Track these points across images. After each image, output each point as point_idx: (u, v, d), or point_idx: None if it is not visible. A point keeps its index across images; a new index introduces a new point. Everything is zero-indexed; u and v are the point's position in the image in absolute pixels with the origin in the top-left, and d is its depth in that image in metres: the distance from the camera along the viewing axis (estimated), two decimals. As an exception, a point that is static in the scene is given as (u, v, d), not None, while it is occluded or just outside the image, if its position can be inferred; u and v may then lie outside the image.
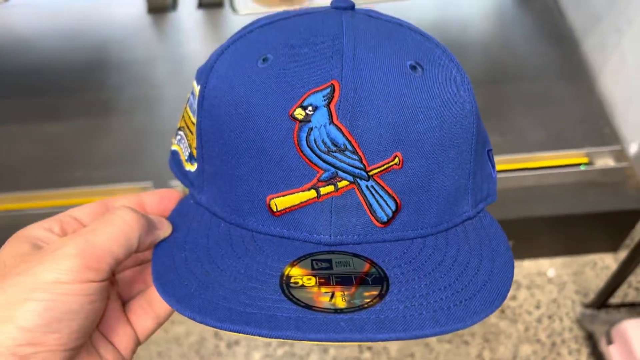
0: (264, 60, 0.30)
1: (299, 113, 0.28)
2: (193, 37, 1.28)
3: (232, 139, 0.29)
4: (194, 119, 0.32)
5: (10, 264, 0.26)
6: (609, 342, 0.93)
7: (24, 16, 1.33)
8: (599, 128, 1.05)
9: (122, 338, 0.30)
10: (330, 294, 0.26)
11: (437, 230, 0.31)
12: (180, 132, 0.35)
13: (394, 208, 0.29)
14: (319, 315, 0.25)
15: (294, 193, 0.28)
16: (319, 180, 0.28)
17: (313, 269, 0.27)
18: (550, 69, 1.16)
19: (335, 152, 0.27)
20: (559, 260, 1.10)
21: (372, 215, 0.28)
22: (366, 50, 0.29)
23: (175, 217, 0.32)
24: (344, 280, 0.27)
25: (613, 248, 1.11)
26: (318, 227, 0.28)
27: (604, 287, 0.95)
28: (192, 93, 0.34)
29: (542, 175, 1.01)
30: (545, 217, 1.01)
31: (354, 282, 0.27)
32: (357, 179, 0.28)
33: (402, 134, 0.28)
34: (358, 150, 0.28)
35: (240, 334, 0.25)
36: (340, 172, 0.28)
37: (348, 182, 0.28)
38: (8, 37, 1.30)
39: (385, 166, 0.28)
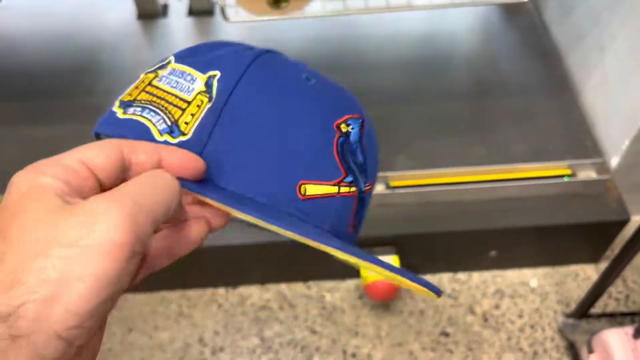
0: (308, 79, 0.36)
1: (344, 127, 0.35)
2: (182, 44, 1.27)
3: (275, 130, 0.34)
4: (191, 98, 0.34)
5: (45, 222, 0.23)
6: (590, 351, 0.95)
7: (13, 19, 1.32)
8: (581, 141, 1.08)
9: None
10: None
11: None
12: (140, 105, 0.35)
13: (359, 220, 0.37)
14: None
15: (323, 184, 0.34)
16: (342, 181, 0.35)
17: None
18: (534, 84, 1.18)
19: (358, 165, 0.36)
20: (541, 271, 1.12)
21: (353, 221, 0.36)
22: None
23: None
24: None
25: (594, 259, 1.13)
26: (326, 218, 0.35)
27: (585, 298, 0.97)
28: (178, 73, 0.36)
29: (526, 187, 1.03)
30: (528, 228, 1.03)
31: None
32: (359, 191, 0.36)
33: (375, 169, 0.38)
34: (367, 171, 0.36)
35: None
36: (354, 181, 0.35)
37: (355, 190, 0.36)
38: (-4, 40, 1.29)
39: (368, 188, 0.37)
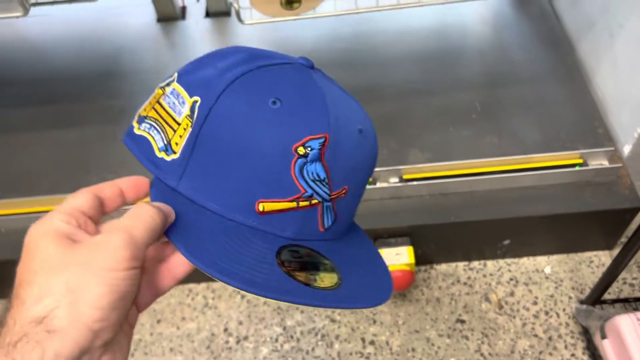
0: (274, 102, 0.39)
1: (302, 150, 0.38)
2: (201, 45, 1.32)
3: (236, 152, 0.38)
4: (180, 120, 0.40)
5: (60, 254, 0.31)
6: (603, 336, 0.97)
7: (40, 27, 1.38)
8: (593, 129, 1.09)
9: (131, 314, 0.36)
10: (312, 276, 0.38)
11: (343, 236, 0.44)
12: (150, 122, 0.42)
13: (333, 220, 0.42)
14: (316, 290, 0.37)
15: (280, 202, 0.39)
16: (300, 197, 0.39)
17: (292, 257, 0.39)
18: (546, 72, 1.19)
19: (317, 181, 0.39)
20: (555, 258, 1.14)
21: (321, 223, 0.41)
22: (339, 115, 0.41)
23: (160, 201, 0.39)
24: (311, 266, 0.39)
25: (609, 246, 1.14)
26: (287, 226, 0.40)
27: (598, 284, 0.99)
28: (176, 96, 0.41)
29: (538, 176, 1.04)
30: (541, 216, 1.05)
31: (319, 269, 0.39)
32: (323, 200, 0.40)
33: (350, 174, 0.42)
34: (330, 182, 0.40)
35: (270, 300, 0.35)
36: (315, 194, 0.40)
37: (317, 201, 0.40)
38: (26, 48, 1.35)
39: (338, 194, 0.41)
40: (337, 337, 1.07)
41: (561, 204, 1.04)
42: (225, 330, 1.09)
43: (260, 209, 0.39)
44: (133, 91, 1.23)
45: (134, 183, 0.39)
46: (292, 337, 1.07)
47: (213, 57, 0.42)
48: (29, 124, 1.19)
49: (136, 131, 0.42)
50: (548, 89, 1.17)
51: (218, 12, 1.38)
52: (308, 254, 0.40)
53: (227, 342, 1.08)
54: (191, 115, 0.39)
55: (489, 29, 1.31)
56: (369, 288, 0.40)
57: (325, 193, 0.40)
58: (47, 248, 0.31)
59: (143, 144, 0.41)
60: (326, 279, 0.38)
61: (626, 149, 1.05)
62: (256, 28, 1.29)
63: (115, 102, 1.22)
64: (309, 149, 0.38)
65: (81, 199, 0.35)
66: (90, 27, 1.38)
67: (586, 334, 1.03)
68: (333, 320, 1.09)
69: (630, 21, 1.00)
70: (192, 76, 0.41)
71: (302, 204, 0.39)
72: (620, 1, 1.03)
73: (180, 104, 0.40)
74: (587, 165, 1.05)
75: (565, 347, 1.03)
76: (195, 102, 0.39)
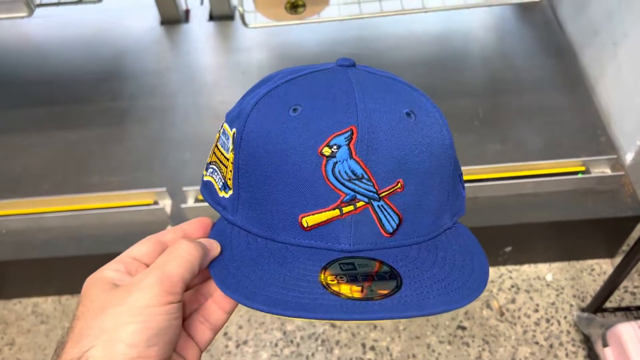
0: (294, 110, 0.38)
1: (327, 150, 0.36)
2: (204, 48, 1.32)
3: (269, 171, 0.37)
4: (228, 155, 0.40)
5: (101, 298, 0.32)
6: (605, 344, 0.97)
7: (44, 28, 1.38)
8: (595, 137, 1.09)
9: (190, 350, 0.36)
10: (360, 287, 0.34)
11: (427, 238, 0.39)
12: (212, 166, 0.42)
13: (397, 222, 0.37)
14: (357, 302, 0.33)
15: (321, 212, 0.36)
16: (342, 202, 0.36)
17: (342, 270, 0.35)
18: (549, 81, 1.19)
19: (354, 180, 0.36)
20: (557, 265, 1.14)
21: (381, 227, 0.37)
22: (373, 101, 0.37)
23: (215, 238, 0.39)
24: (367, 277, 0.35)
25: (610, 254, 1.14)
26: (340, 238, 0.36)
27: (599, 292, 0.98)
28: (225, 134, 0.41)
29: (541, 183, 1.04)
30: (543, 223, 1.05)
31: (375, 278, 0.35)
32: (371, 200, 0.36)
33: (402, 165, 0.37)
34: (372, 178, 0.36)
35: (301, 319, 0.33)
36: (358, 195, 0.36)
37: (364, 203, 0.36)
38: (29, 49, 1.35)
39: (391, 190, 0.37)
40: (337, 342, 1.07)
41: (563, 212, 1.04)
42: (225, 334, 1.09)
43: (305, 224, 0.36)
44: (136, 93, 1.23)
45: (198, 224, 0.39)
46: (292, 342, 1.07)
47: (252, 89, 0.42)
48: (31, 125, 1.19)
49: (205, 178, 0.44)
50: (551, 96, 1.17)
51: (222, 16, 1.38)
52: (366, 264, 0.36)
53: (226, 346, 1.07)
54: (234, 147, 0.39)
55: (492, 36, 1.31)
56: (433, 295, 0.35)
57: (370, 191, 0.36)
58: (91, 295, 0.33)
59: (210, 188, 0.42)
60: (381, 288, 0.34)
61: (628, 157, 1.05)
62: (260, 32, 1.29)
63: (118, 103, 1.22)
64: (335, 147, 0.35)
65: (138, 247, 0.36)
66: (93, 29, 1.38)
67: (587, 342, 1.03)
68: (333, 326, 1.08)
69: (635, 30, 1.00)
70: (233, 112, 0.41)
71: (346, 209, 0.36)
72: (625, 10, 1.03)
73: (227, 140, 0.40)
74: (589, 173, 1.05)
75: (567, 355, 1.03)
76: (235, 133, 0.39)
